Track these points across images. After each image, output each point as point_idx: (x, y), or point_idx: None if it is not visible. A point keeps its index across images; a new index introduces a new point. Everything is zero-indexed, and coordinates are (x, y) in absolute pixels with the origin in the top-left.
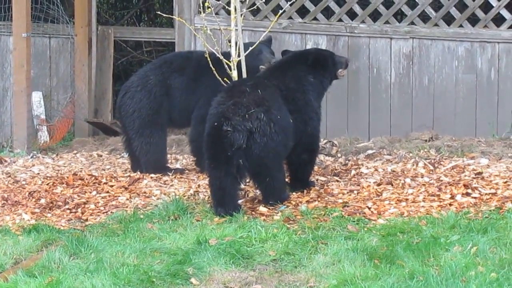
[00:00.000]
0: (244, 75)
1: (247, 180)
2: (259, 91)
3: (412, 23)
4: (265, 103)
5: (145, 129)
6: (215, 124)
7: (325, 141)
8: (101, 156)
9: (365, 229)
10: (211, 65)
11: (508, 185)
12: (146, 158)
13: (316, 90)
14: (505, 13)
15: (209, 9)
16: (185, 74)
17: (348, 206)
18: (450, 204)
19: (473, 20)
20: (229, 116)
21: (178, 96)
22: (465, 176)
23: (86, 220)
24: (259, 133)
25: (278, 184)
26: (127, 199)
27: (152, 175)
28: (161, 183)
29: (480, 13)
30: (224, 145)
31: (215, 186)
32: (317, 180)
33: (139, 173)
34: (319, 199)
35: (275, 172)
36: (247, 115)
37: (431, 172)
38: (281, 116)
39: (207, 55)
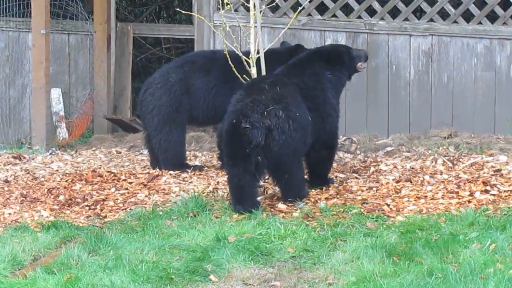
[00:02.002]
0: (264, 72)
1: (266, 177)
2: (278, 88)
3: (431, 20)
4: (284, 100)
5: (164, 126)
6: (234, 121)
7: (344, 138)
8: (120, 153)
9: (384, 226)
10: (230, 62)
11: None
12: (164, 156)
13: (334, 86)
14: None
15: (228, 6)
16: (211, 75)
17: (367, 203)
18: (469, 201)
19: (492, 17)
20: (248, 113)
21: (203, 96)
22: (484, 173)
23: (105, 217)
24: (277, 130)
25: (297, 181)
26: (146, 196)
27: (171, 172)
28: (180, 180)
29: (499, 10)
30: (243, 142)
31: (234, 183)
32: (336, 177)
33: (158, 170)
34: (338, 196)
35: (294, 169)
36: (265, 112)
37: (450, 169)
38: (299, 114)
39: (226, 52)
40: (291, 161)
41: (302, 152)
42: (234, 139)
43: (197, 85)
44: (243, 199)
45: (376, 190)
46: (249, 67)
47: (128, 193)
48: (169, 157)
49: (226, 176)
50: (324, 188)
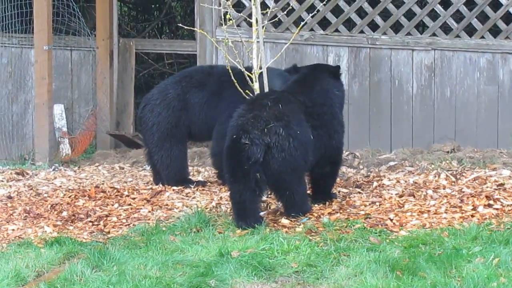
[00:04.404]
0: (266, 88)
1: (269, 192)
2: (280, 105)
3: (434, 34)
4: (285, 118)
5: (165, 142)
6: (234, 136)
7: (347, 153)
8: (123, 168)
9: (387, 240)
10: (232, 78)
11: None
12: (167, 172)
13: (340, 102)
14: None
15: (231, 21)
16: (205, 90)
17: (370, 218)
18: (472, 216)
19: (495, 32)
20: (248, 129)
21: (198, 111)
22: (487, 187)
23: (108, 232)
24: (277, 148)
25: (299, 197)
26: (149, 212)
27: (174, 187)
28: (183, 195)
29: (501, 24)
30: (242, 158)
31: (235, 199)
32: (339, 192)
33: (161, 185)
34: (341, 211)
35: (295, 186)
36: (266, 129)
37: (453, 183)
38: (300, 131)
39: (228, 68)
40: (291, 178)
41: (303, 169)
42: (234, 154)
43: (193, 100)
44: (245, 214)
45: (379, 205)
46: (252, 82)
47: (131, 208)
48: (171, 173)
49: (228, 192)
50: (327, 203)
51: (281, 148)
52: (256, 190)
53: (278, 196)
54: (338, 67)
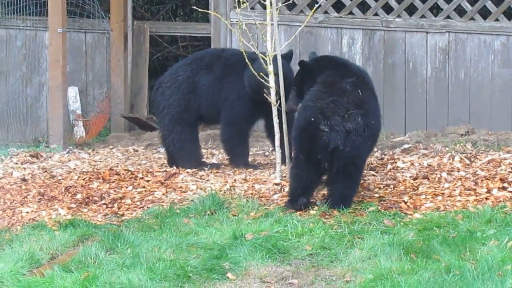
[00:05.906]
0: (280, 69)
1: (284, 175)
2: (359, 91)
3: (448, 17)
4: (364, 105)
5: (176, 125)
6: (312, 119)
7: None
8: (137, 151)
9: (401, 223)
10: (246, 60)
11: None
12: (179, 154)
13: None
14: None
15: (245, 4)
16: (212, 72)
17: (384, 201)
18: (487, 198)
19: (509, 14)
20: (328, 115)
21: (205, 93)
22: (501, 170)
23: (122, 215)
24: (354, 136)
25: (353, 192)
26: (163, 194)
27: (188, 170)
28: (197, 178)
29: None
30: (318, 144)
31: (300, 176)
32: None
33: (175, 168)
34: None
35: (356, 179)
36: (346, 115)
37: (467, 166)
38: (375, 121)
39: (242, 50)
40: (355, 169)
41: (365, 161)
42: (310, 137)
43: (201, 83)
44: (308, 192)
45: (393, 188)
46: (266, 64)
47: (145, 191)
48: (184, 156)
49: (292, 167)
50: None
51: (357, 137)
52: (321, 174)
53: (337, 184)
54: None
